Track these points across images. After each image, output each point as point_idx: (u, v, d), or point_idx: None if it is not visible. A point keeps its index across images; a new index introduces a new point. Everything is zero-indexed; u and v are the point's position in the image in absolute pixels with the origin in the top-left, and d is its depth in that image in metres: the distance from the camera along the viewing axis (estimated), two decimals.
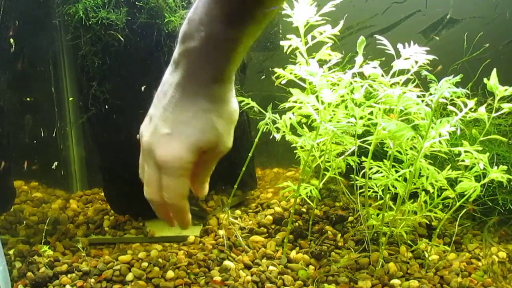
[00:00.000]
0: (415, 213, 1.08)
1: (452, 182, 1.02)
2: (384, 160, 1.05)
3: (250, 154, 1.16)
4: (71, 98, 1.25)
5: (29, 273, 0.96)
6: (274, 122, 1.08)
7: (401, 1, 1.54)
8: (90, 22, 1.14)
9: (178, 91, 0.83)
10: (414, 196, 1.08)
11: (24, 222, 1.20)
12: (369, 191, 1.08)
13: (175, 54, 0.84)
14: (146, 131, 0.86)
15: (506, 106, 0.95)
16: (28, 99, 1.33)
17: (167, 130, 0.83)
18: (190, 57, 0.82)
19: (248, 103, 1.12)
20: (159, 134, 0.83)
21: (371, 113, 1.02)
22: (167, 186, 0.85)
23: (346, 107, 1.01)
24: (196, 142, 0.84)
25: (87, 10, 1.14)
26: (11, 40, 1.18)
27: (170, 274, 0.98)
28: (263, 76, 1.48)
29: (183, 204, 0.87)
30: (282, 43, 1.05)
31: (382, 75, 1.00)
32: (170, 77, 0.85)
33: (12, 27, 1.23)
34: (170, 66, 0.86)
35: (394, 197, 1.07)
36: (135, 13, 1.17)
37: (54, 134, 1.32)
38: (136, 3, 1.16)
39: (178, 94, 0.83)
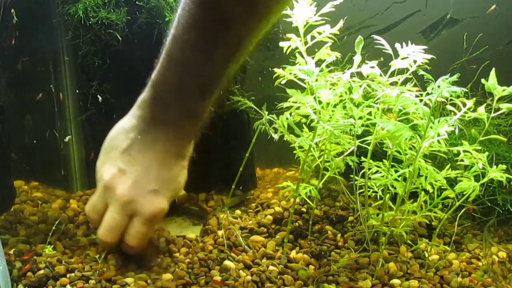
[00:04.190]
0: (415, 213, 1.08)
1: (452, 182, 1.02)
2: (384, 160, 1.05)
3: (247, 154, 1.16)
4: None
5: (29, 273, 0.96)
6: (271, 122, 1.09)
7: (401, 1, 1.54)
8: (90, 22, 1.15)
9: (162, 152, 0.92)
10: (413, 196, 1.08)
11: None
12: (368, 191, 1.09)
13: (144, 114, 0.93)
14: (121, 184, 0.93)
15: (504, 106, 0.95)
16: (28, 99, 1.33)
17: (155, 187, 0.92)
18: (167, 125, 0.91)
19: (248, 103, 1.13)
20: (145, 190, 0.92)
21: (369, 113, 1.02)
22: (141, 232, 0.94)
23: (344, 107, 1.01)
24: (174, 195, 0.96)
25: (87, 10, 1.15)
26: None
27: (170, 274, 0.98)
28: (263, 76, 1.48)
29: (145, 246, 0.98)
30: (281, 44, 1.05)
31: (381, 75, 1.00)
32: (143, 136, 0.93)
33: (11, 27, 1.24)
34: (138, 121, 0.94)
35: (394, 197, 1.07)
36: (135, 13, 1.17)
37: (54, 134, 1.32)
38: (137, 2, 1.16)
39: (163, 156, 0.92)
